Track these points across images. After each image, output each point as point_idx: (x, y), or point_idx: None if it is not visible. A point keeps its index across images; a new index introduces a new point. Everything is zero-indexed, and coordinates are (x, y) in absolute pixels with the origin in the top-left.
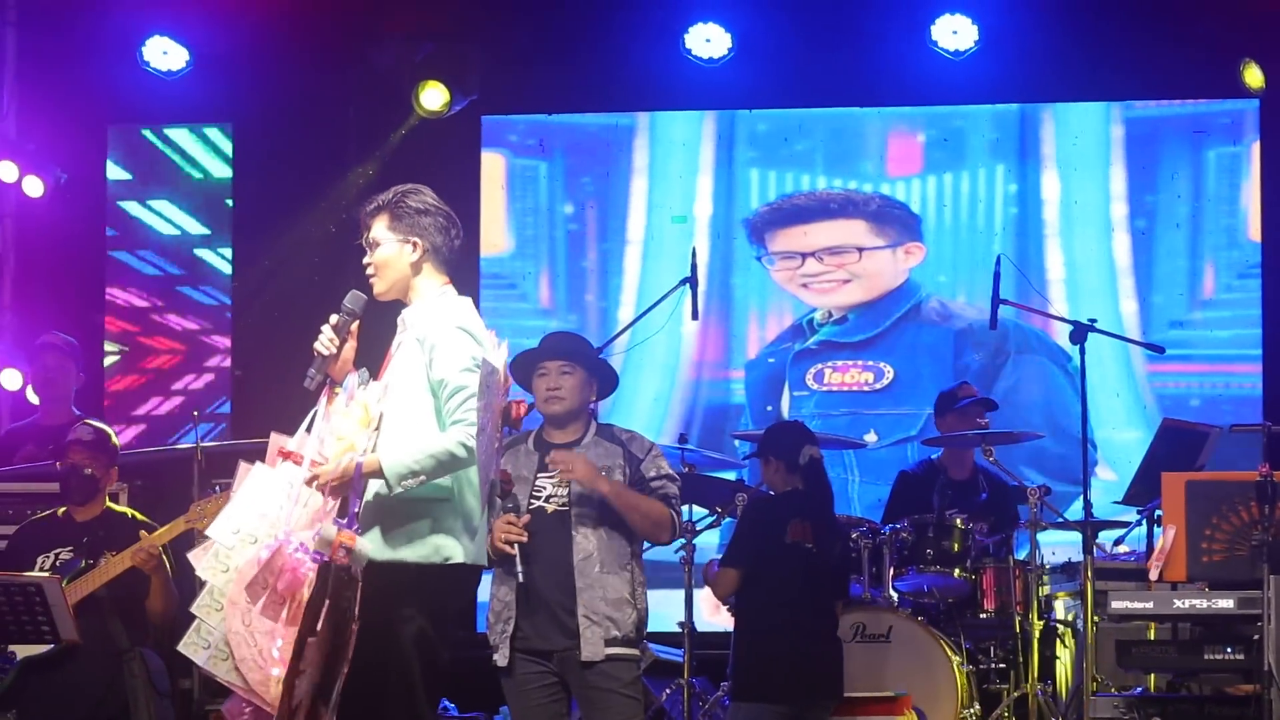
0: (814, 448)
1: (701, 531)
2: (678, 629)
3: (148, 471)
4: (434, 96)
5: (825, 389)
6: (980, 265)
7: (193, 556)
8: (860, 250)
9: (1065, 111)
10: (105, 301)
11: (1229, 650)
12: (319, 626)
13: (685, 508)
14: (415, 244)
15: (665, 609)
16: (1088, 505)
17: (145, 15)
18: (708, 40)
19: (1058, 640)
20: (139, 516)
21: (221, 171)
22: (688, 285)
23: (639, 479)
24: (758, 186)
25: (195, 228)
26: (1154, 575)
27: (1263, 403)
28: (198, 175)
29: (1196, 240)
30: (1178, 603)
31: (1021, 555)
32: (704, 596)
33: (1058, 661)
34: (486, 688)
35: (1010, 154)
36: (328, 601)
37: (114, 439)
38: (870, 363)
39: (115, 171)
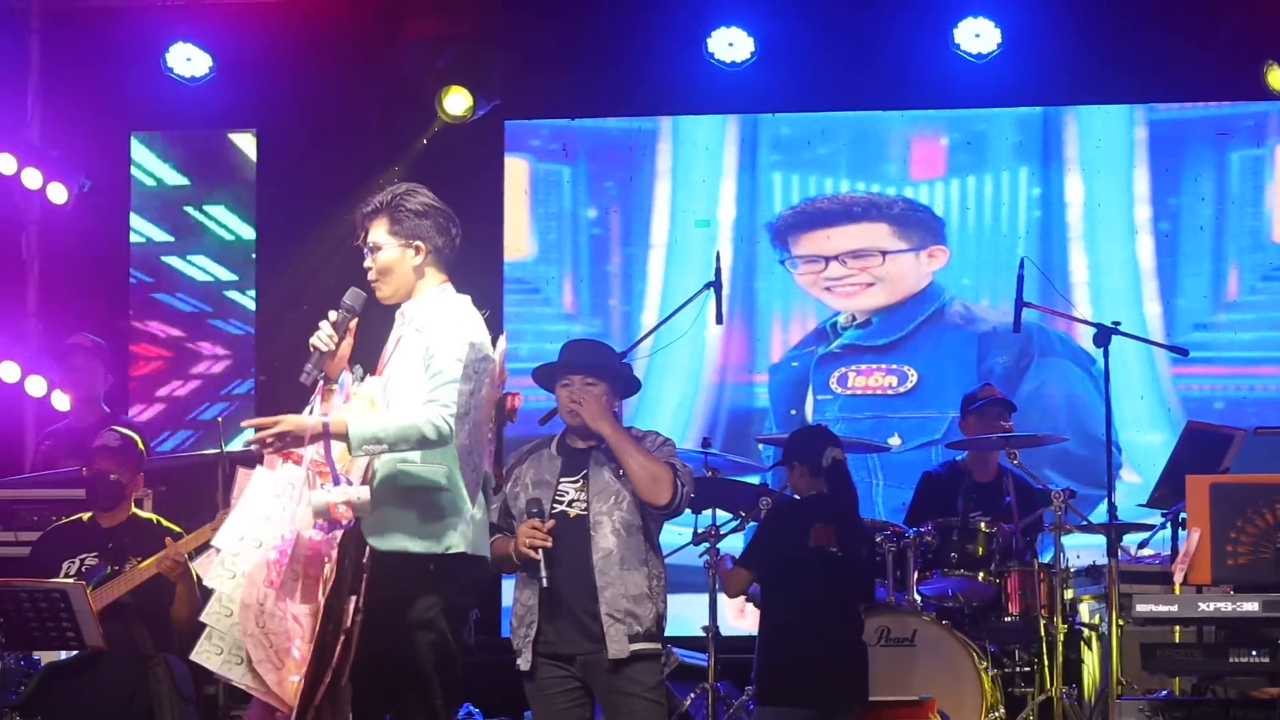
0: (837, 450)
1: (725, 535)
2: (702, 633)
3: (172, 477)
4: (457, 101)
5: (849, 393)
6: (1004, 268)
7: (199, 566)
8: (883, 254)
9: (1088, 114)
10: (128, 309)
11: (1254, 653)
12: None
13: (708, 511)
14: (418, 248)
15: (689, 613)
16: (1112, 508)
17: (169, 22)
18: (730, 44)
19: (1082, 643)
20: (165, 523)
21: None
22: (711, 289)
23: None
24: (781, 190)
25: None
26: (1178, 578)
27: None
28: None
29: (1220, 242)
30: (1202, 606)
31: (1046, 558)
32: (727, 600)
33: (1083, 665)
34: (510, 692)
35: (1033, 157)
36: (334, 567)
37: (140, 445)
38: (894, 366)
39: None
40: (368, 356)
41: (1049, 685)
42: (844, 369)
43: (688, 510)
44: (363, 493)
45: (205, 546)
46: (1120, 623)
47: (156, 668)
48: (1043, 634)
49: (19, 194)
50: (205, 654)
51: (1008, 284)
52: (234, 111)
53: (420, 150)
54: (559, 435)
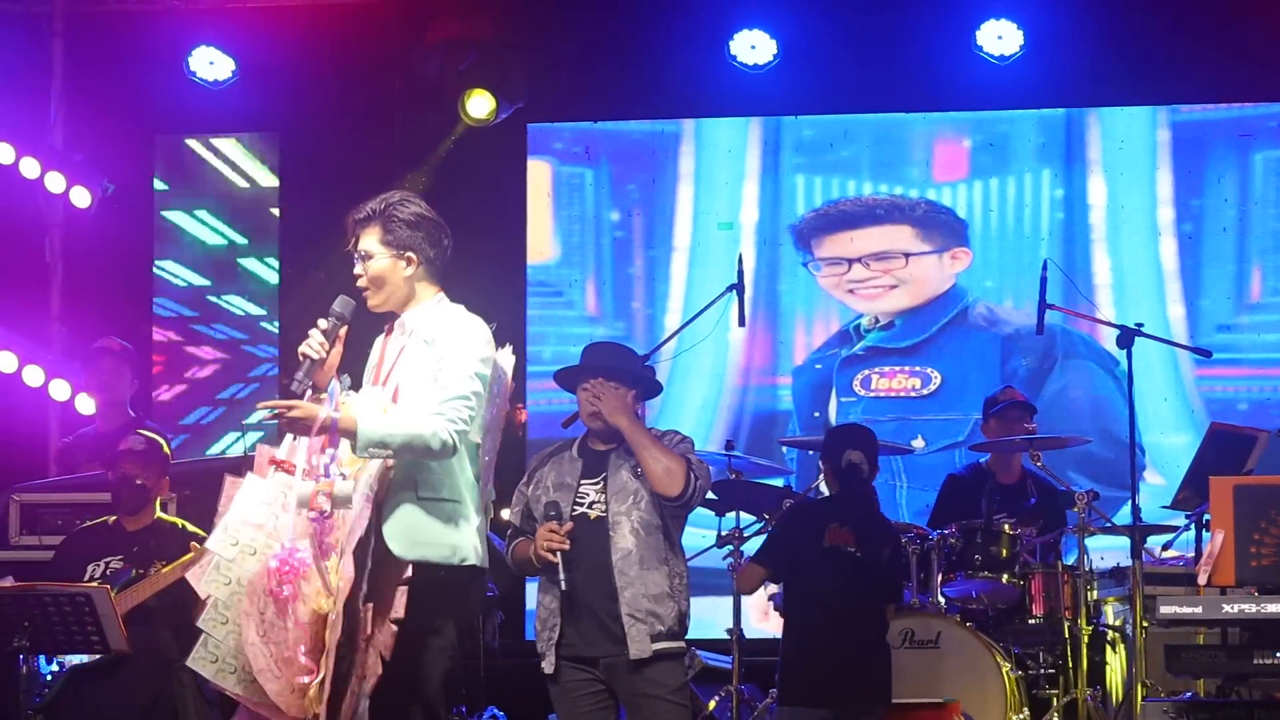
0: (856, 452)
1: (749, 538)
2: (726, 636)
3: (196, 481)
4: (480, 105)
5: (872, 395)
6: (1027, 270)
7: (192, 575)
8: (907, 256)
9: (1111, 116)
10: (152, 312)
11: (1278, 655)
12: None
13: (732, 514)
14: (410, 259)
15: (714, 615)
16: (1136, 510)
17: (192, 26)
18: (753, 47)
19: (1107, 645)
20: (189, 527)
21: (268, 180)
22: (734, 292)
23: None
24: (804, 192)
25: (238, 237)
26: (1203, 580)
27: None
28: (243, 184)
29: (1243, 244)
30: (1227, 607)
31: (1070, 560)
32: (752, 603)
33: (1107, 667)
34: (536, 695)
35: (1056, 159)
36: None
37: (166, 448)
38: (917, 368)
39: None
40: (349, 365)
41: (1073, 687)
42: (867, 371)
43: (711, 513)
44: (345, 487)
45: None
46: (1144, 624)
47: (180, 671)
48: (1067, 636)
49: (42, 198)
50: (200, 661)
51: (1031, 286)
52: (257, 115)
53: (443, 153)
54: (580, 438)
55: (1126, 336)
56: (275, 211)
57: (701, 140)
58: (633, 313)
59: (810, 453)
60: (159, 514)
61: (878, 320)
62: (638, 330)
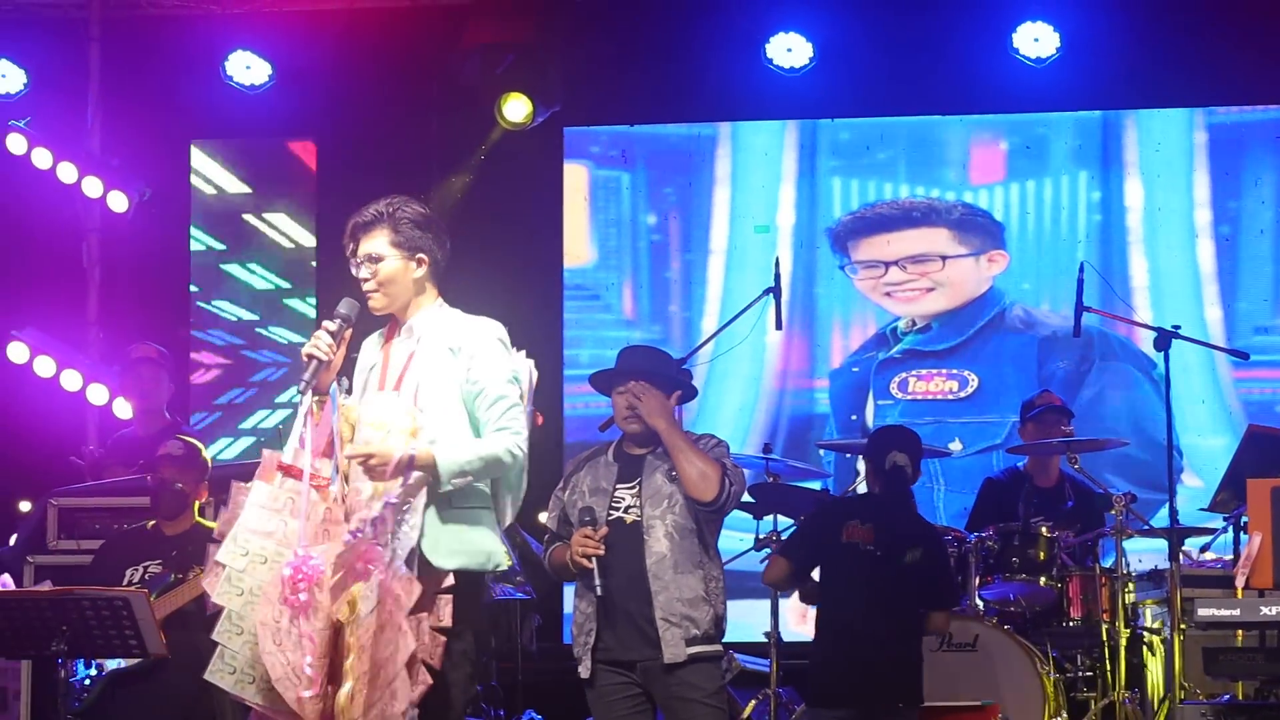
0: (900, 454)
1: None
2: (764, 639)
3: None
4: (517, 108)
5: (910, 398)
6: (1064, 272)
7: (206, 585)
8: (943, 258)
9: (1148, 118)
10: (190, 319)
11: None
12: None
13: (769, 517)
14: (420, 260)
15: (751, 619)
16: (1173, 512)
17: (228, 30)
18: (789, 50)
19: (1145, 648)
20: None
21: (308, 241)
22: (771, 295)
23: None
24: (840, 195)
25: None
26: (1240, 582)
27: None
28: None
29: None
30: (1264, 610)
31: (1107, 563)
32: (789, 606)
33: (1145, 669)
34: (573, 699)
35: (1093, 161)
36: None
37: (204, 453)
38: (954, 371)
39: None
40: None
41: (1111, 690)
42: (904, 374)
43: (749, 516)
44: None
45: None
46: (1182, 627)
47: None
48: (1105, 639)
49: (80, 203)
50: (218, 673)
51: (1068, 288)
52: (293, 120)
53: (480, 157)
54: (616, 442)
55: (1164, 339)
56: (314, 264)
57: (738, 143)
58: (669, 316)
59: (848, 456)
60: (197, 518)
61: (915, 323)
62: (674, 334)
